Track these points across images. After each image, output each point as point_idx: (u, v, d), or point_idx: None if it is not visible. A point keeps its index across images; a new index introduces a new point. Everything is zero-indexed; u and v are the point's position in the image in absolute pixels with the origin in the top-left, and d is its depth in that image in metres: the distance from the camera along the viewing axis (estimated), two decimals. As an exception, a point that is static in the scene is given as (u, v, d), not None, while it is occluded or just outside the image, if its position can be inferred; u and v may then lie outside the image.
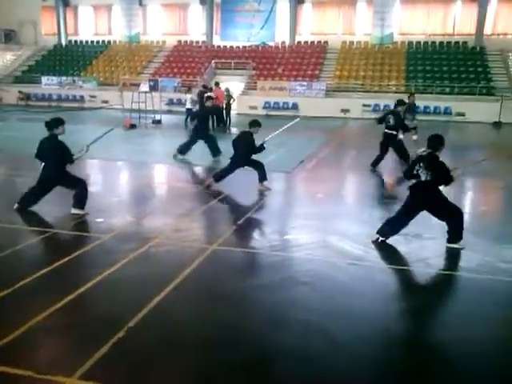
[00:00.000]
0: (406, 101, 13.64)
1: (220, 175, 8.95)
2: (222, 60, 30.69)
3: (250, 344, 3.85)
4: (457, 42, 29.48)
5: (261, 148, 8.83)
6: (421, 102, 21.73)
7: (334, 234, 6.46)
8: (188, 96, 19.52)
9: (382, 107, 26.03)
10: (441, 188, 5.91)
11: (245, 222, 6.96)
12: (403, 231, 6.12)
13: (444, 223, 5.97)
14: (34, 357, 3.60)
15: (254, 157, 8.87)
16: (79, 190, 7.04)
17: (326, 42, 31.47)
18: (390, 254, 5.86)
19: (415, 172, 5.82)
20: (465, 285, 5.16)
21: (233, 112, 20.95)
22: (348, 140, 18.04)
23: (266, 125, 10.33)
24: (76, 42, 36.02)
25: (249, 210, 7.62)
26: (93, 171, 10.71)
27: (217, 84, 20.44)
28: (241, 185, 9.10)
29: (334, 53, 30.62)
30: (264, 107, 27.28)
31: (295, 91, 27.66)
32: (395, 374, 3.57)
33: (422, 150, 5.94)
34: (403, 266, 5.52)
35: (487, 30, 29.01)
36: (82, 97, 30.56)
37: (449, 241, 5.95)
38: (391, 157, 11.19)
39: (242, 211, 7.61)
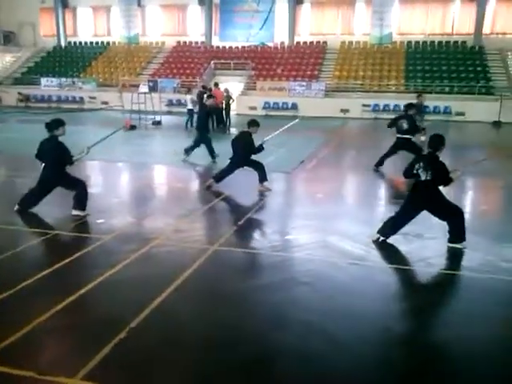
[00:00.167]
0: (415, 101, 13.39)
1: (220, 176, 8.94)
2: (221, 60, 30.71)
3: (250, 344, 3.86)
4: (456, 42, 29.52)
5: (260, 148, 8.83)
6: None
7: (335, 234, 6.47)
8: (188, 97, 19.55)
9: (381, 107, 26.10)
10: (440, 188, 5.92)
11: (245, 223, 6.96)
12: (404, 231, 6.12)
13: (445, 223, 5.98)
14: (36, 358, 3.60)
15: (254, 157, 8.88)
16: (79, 191, 7.04)
17: (325, 42, 31.50)
18: (391, 254, 5.87)
19: (415, 171, 5.83)
20: (466, 284, 5.17)
21: (232, 112, 20.97)
22: (348, 140, 18.04)
23: (265, 125, 10.35)
24: (75, 43, 36.05)
25: (249, 210, 7.62)
26: (93, 172, 10.72)
27: (216, 84, 20.46)
28: (241, 185, 9.11)
29: (333, 53, 30.65)
30: (263, 107, 27.30)
31: (294, 91, 27.68)
32: (396, 374, 3.58)
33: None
34: (404, 266, 5.52)
35: (486, 30, 29.05)
36: (81, 98, 30.59)
37: (450, 240, 5.95)
38: (394, 157, 11.10)
39: (242, 212, 7.61)
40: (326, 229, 6.70)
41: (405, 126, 10.55)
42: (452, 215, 5.88)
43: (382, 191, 9.80)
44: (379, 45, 30.03)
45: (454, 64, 27.79)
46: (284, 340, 3.90)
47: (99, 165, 11.34)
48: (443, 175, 5.74)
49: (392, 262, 5.66)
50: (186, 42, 33.92)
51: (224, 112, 19.31)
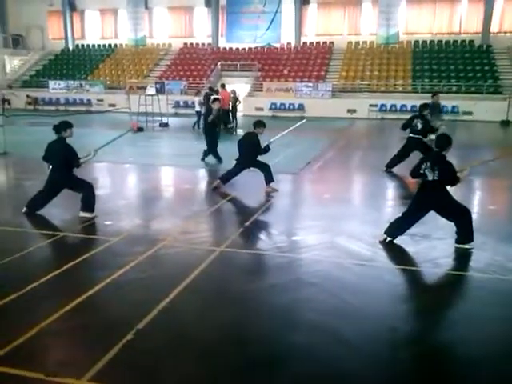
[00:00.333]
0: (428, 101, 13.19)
1: (226, 177, 8.96)
2: (228, 62, 30.79)
3: (258, 345, 3.85)
4: (463, 41, 29.37)
5: (266, 149, 8.83)
6: (428, 101, 21.61)
7: (342, 234, 6.45)
8: (196, 99, 19.63)
9: (388, 107, 26.03)
10: (448, 188, 5.88)
11: (252, 224, 6.97)
12: (411, 231, 6.10)
13: (452, 223, 5.94)
14: (44, 359, 3.62)
15: (261, 158, 8.88)
16: (86, 193, 7.07)
17: (331, 43, 31.48)
18: (398, 255, 5.84)
19: (422, 171, 5.80)
20: (473, 285, 5.13)
21: (239, 113, 20.99)
22: (355, 140, 17.99)
23: (272, 126, 10.35)
24: (83, 46, 36.30)
25: (256, 211, 7.62)
26: (101, 174, 10.77)
27: (223, 86, 20.49)
28: (248, 186, 9.12)
29: (339, 53, 30.62)
30: (270, 108, 27.33)
31: (301, 92, 27.68)
32: (404, 375, 3.56)
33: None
34: (411, 267, 5.49)
35: (494, 28, 28.88)
36: (89, 100, 30.78)
37: (458, 241, 5.91)
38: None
39: (249, 213, 7.62)
40: (333, 229, 6.68)
41: (419, 125, 10.45)
42: (459, 216, 5.84)
43: (390, 191, 9.76)
44: (386, 45, 29.96)
45: (462, 63, 27.65)
46: (292, 340, 3.89)
47: (106, 166, 11.40)
48: (450, 175, 5.71)
49: (399, 263, 5.64)
50: (192, 44, 34.04)
51: (231, 113, 19.34)
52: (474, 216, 6.28)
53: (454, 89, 25.91)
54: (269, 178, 8.76)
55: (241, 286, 4.95)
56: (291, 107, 27.43)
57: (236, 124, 19.46)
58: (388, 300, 4.66)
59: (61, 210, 7.50)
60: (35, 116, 22.42)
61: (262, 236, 6.71)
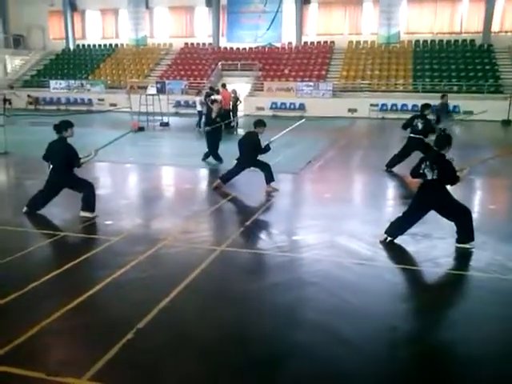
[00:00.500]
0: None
1: (227, 176, 8.96)
2: (229, 62, 30.79)
3: (259, 344, 3.86)
4: (464, 40, 29.34)
5: (267, 148, 8.83)
6: (428, 101, 21.60)
7: (342, 234, 6.45)
8: (197, 98, 19.64)
9: (389, 107, 26.03)
10: (448, 187, 5.88)
11: (252, 223, 6.97)
12: (411, 231, 6.10)
13: (453, 223, 5.94)
14: (44, 358, 3.63)
15: (261, 158, 8.88)
16: (86, 192, 7.07)
17: (332, 42, 31.47)
18: (399, 254, 5.84)
19: (422, 171, 5.80)
20: (474, 284, 5.13)
21: (240, 113, 21.00)
22: (355, 140, 17.98)
23: (272, 125, 10.36)
24: (84, 45, 36.32)
25: (256, 210, 7.63)
26: (101, 174, 10.78)
27: (224, 86, 20.50)
28: (248, 186, 9.12)
29: (340, 53, 30.61)
30: (271, 108, 27.32)
31: (302, 92, 27.68)
32: (404, 374, 3.56)
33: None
34: (412, 266, 5.50)
35: (495, 28, 28.84)
36: (90, 100, 30.80)
37: (459, 241, 5.91)
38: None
39: (249, 212, 7.62)
40: (334, 229, 6.69)
41: (420, 125, 10.44)
42: (460, 215, 5.84)
43: (390, 191, 9.76)
44: (387, 44, 29.94)
45: (463, 63, 27.63)
46: (292, 340, 3.90)
47: (107, 166, 11.40)
48: (449, 174, 5.71)
49: (399, 262, 5.64)
50: (193, 44, 34.04)
51: (231, 113, 19.34)
52: (475, 215, 6.28)
53: (455, 88, 25.88)
54: (269, 178, 8.76)
55: (241, 285, 4.96)
56: (292, 107, 27.43)
57: (237, 124, 19.46)
58: (388, 299, 4.66)
59: (61, 210, 7.51)
60: (36, 116, 22.44)
61: (263, 235, 6.72)
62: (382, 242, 6.05)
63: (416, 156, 8.61)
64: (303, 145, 14.56)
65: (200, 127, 17.73)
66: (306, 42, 31.93)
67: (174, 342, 3.85)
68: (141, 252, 5.68)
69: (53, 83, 31.94)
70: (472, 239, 5.86)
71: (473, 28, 29.40)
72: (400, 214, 6.16)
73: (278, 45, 31.98)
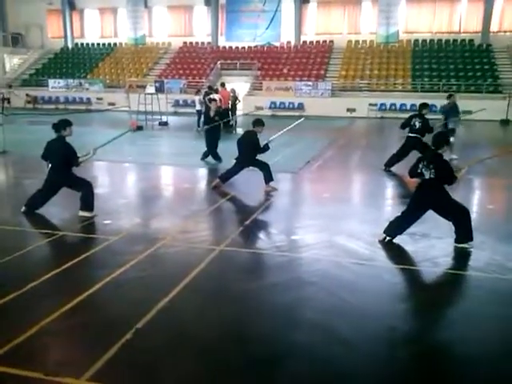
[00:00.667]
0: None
1: (226, 176, 8.96)
2: (228, 61, 30.76)
3: (258, 344, 3.86)
4: (463, 40, 29.36)
5: (265, 148, 8.83)
6: (427, 100, 21.60)
7: (341, 233, 6.46)
8: (196, 98, 19.62)
9: (388, 106, 26.03)
10: (446, 187, 5.89)
11: (251, 223, 6.97)
12: (410, 231, 6.11)
13: (451, 223, 5.95)
14: (43, 358, 3.63)
15: (260, 157, 8.88)
16: (85, 191, 7.06)
17: (331, 42, 31.46)
18: (398, 254, 5.85)
19: (419, 170, 5.81)
20: (473, 284, 5.14)
21: (238, 112, 20.98)
22: (354, 139, 17.99)
23: (271, 125, 10.35)
24: (82, 44, 36.25)
25: (255, 210, 7.63)
26: (100, 173, 10.77)
27: (222, 85, 20.49)
28: (247, 185, 9.12)
29: (339, 52, 30.60)
30: (270, 107, 27.31)
31: (301, 91, 27.67)
32: (403, 374, 3.57)
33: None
34: (410, 266, 5.50)
35: (494, 27, 28.85)
36: (88, 99, 30.76)
37: (457, 241, 5.91)
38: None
39: (248, 212, 7.62)
40: (333, 229, 6.69)
41: (417, 124, 10.46)
42: (458, 215, 5.84)
43: (388, 190, 9.77)
44: (386, 43, 29.94)
45: (462, 62, 27.64)
46: (291, 339, 3.90)
47: (106, 165, 11.40)
48: (447, 173, 5.71)
49: (398, 262, 5.65)
50: (192, 43, 34.00)
51: (230, 112, 19.32)
52: (473, 215, 6.29)
53: (454, 88, 25.88)
54: (268, 177, 8.76)
55: (240, 284, 4.96)
56: (291, 106, 27.42)
57: (235, 123, 19.45)
58: (387, 299, 4.67)
59: (60, 209, 7.50)
60: (35, 115, 22.41)
61: (262, 235, 6.72)
62: (380, 242, 6.06)
63: (415, 155, 8.63)
64: (302, 144, 14.56)
65: (199, 126, 17.72)
66: (304, 42, 31.92)
67: (173, 341, 3.85)
68: (140, 251, 5.68)
69: (51, 82, 31.88)
70: (471, 239, 5.87)
71: (472, 28, 29.41)
72: (399, 214, 6.17)
73: (277, 44, 31.96)
